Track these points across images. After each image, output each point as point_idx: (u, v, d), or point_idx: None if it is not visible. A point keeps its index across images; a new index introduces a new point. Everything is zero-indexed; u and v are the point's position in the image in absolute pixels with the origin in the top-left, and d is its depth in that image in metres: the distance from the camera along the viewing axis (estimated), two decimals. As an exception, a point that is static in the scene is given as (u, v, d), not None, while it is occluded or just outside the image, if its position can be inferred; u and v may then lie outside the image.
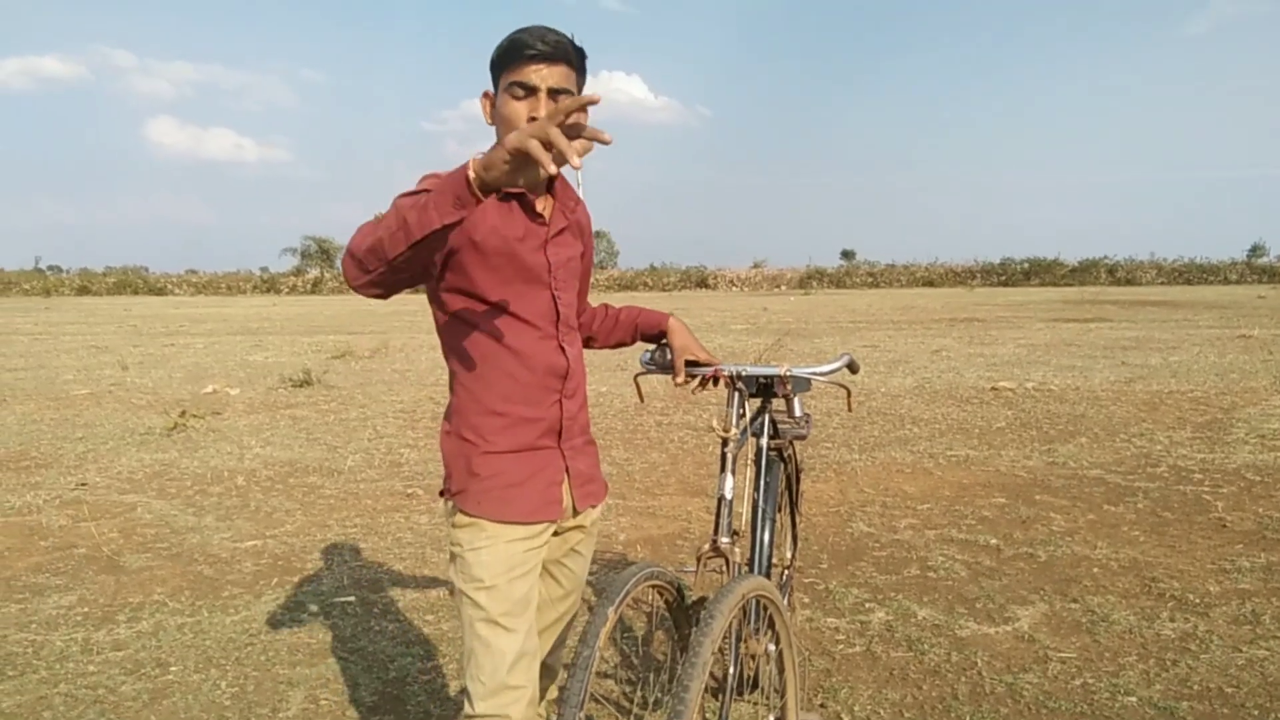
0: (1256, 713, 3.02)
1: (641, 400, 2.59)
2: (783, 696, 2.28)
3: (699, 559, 2.15)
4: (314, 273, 57.63)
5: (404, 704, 3.19)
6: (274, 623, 3.89)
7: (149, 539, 5.09)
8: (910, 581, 4.26)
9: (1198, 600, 3.97)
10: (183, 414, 8.59)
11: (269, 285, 51.97)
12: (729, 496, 2.20)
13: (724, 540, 2.16)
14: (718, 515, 2.18)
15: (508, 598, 1.93)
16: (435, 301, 1.99)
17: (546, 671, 2.17)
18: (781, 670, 2.26)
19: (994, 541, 4.81)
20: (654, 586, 2.04)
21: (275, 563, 4.66)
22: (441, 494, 2.04)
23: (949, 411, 8.62)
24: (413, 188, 1.78)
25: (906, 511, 5.39)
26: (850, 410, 3.10)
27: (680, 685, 1.70)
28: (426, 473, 6.51)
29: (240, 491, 6.10)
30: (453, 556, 1.99)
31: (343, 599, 4.15)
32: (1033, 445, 7.12)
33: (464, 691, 1.98)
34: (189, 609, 4.06)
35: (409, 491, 5.98)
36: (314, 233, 62.97)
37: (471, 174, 1.58)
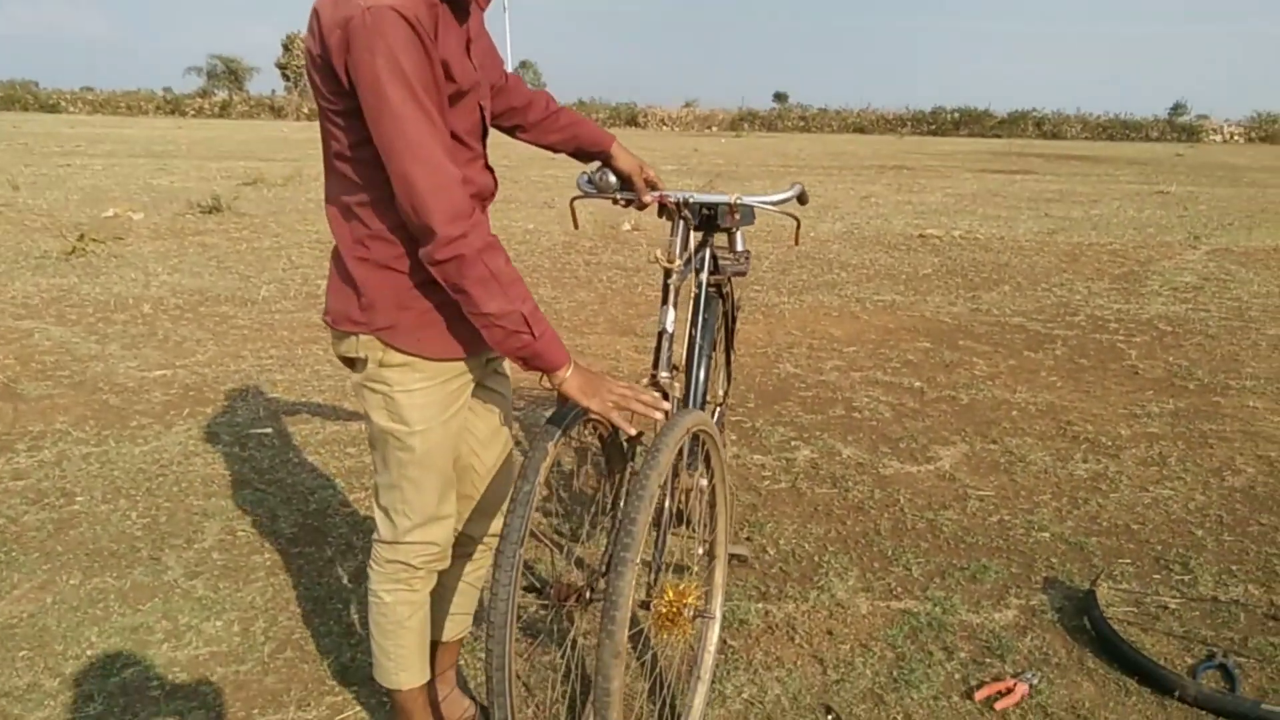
0: (1159, 547, 3.14)
1: (576, 226, 2.44)
2: (712, 531, 2.25)
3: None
4: (221, 95, 54.44)
5: (325, 536, 3.12)
6: (187, 454, 3.76)
7: (48, 366, 4.84)
8: (835, 421, 4.29)
9: (1109, 443, 4.09)
10: (81, 238, 8.11)
11: (172, 107, 48.96)
12: (670, 330, 2.10)
13: (663, 375, 2.07)
14: (658, 349, 2.09)
15: (443, 439, 1.85)
16: (347, 119, 1.66)
17: (500, 514, 2.11)
18: (713, 505, 2.22)
19: (917, 384, 4.86)
20: (589, 421, 1.96)
21: (186, 393, 4.48)
22: (343, 329, 1.79)
23: (876, 257, 8.63)
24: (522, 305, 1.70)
25: (833, 354, 5.41)
26: (797, 244, 3.01)
27: (627, 519, 1.64)
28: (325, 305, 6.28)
29: (147, 320, 5.82)
30: (372, 396, 1.82)
31: (259, 430, 4.02)
32: (958, 292, 7.18)
33: (381, 519, 1.91)
34: (94, 439, 3.88)
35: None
36: (221, 52, 59.08)
37: (562, 376, 1.78)
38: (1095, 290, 7.35)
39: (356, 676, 2.40)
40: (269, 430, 4.02)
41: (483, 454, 2.02)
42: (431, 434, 1.83)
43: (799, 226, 2.55)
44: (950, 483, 3.65)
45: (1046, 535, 3.23)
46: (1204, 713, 2.32)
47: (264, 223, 9.88)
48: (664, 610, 1.91)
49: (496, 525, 2.11)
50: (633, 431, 1.76)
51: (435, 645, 2.18)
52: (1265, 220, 11.94)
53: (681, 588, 1.94)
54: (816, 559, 3.04)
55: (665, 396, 2.06)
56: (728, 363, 3.08)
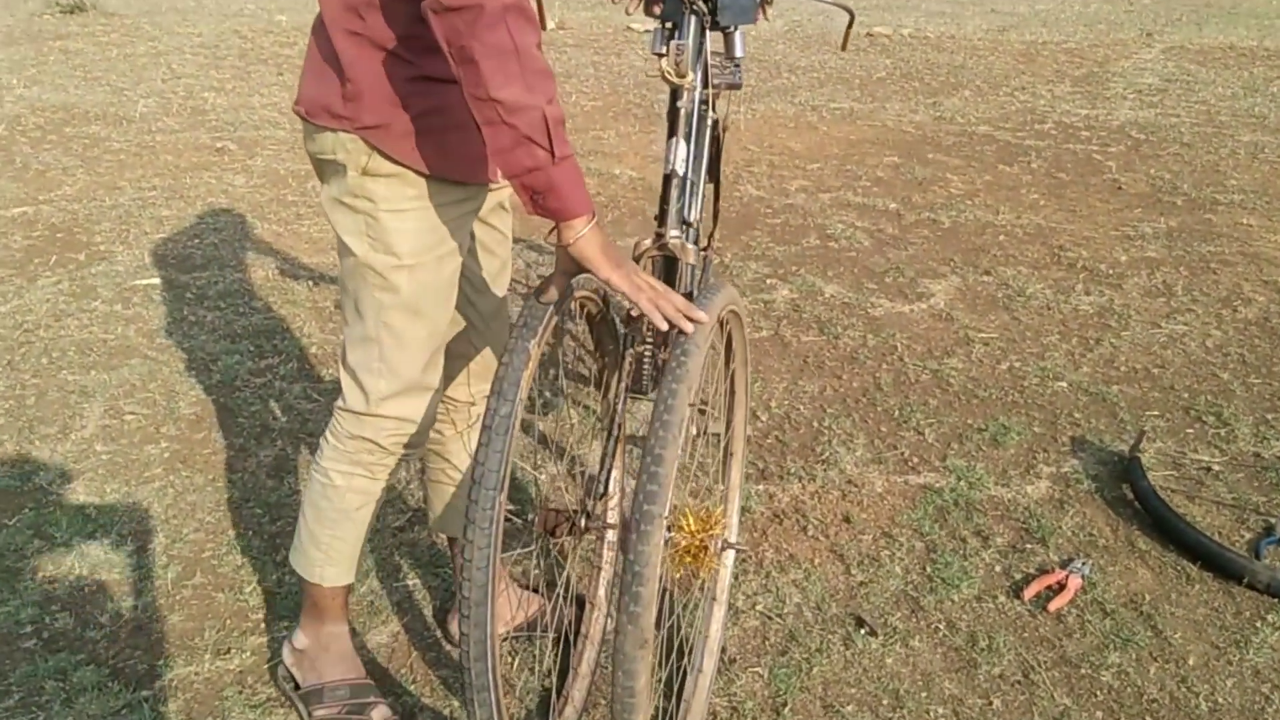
0: (1186, 395, 2.83)
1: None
2: (729, 427, 1.81)
3: (639, 258, 1.56)
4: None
5: (235, 416, 2.60)
6: (56, 314, 3.14)
7: (-120, 206, 4.05)
8: (811, 253, 3.83)
9: (1109, 271, 3.73)
10: (-84, 44, 6.95)
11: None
12: (682, 171, 1.57)
13: (673, 235, 1.56)
14: (665, 199, 1.56)
15: (435, 281, 1.45)
16: None
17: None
18: (733, 391, 1.77)
19: (893, 206, 4.41)
20: (579, 298, 1.46)
21: (53, 236, 3.78)
22: (320, 122, 1.38)
23: (825, 59, 7.96)
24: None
25: (796, 172, 4.89)
26: (844, 48, 2.43)
27: (651, 455, 1.19)
28: (238, 122, 5.48)
29: (1, 143, 4.97)
30: (349, 216, 1.42)
31: (145, 282, 3.39)
32: (917, 98, 6.64)
33: (349, 383, 1.50)
34: (-61, 298, 3.22)
35: (219, 145, 5.01)
36: None
37: (578, 229, 1.28)
38: (1059, 94, 6.88)
39: (288, 607, 1.95)
40: (156, 281, 3.40)
41: (479, 302, 1.63)
42: (423, 270, 1.44)
43: (851, 25, 1.99)
44: (948, 323, 3.26)
45: (1064, 385, 2.88)
46: (1275, 599, 2.03)
47: (136, 24, 8.67)
48: (685, 544, 1.48)
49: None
50: (664, 325, 1.27)
51: (457, 542, 1.82)
52: (1212, 16, 11.47)
53: (705, 513, 1.50)
54: (816, 424, 2.64)
55: (676, 265, 1.56)
56: (716, 198, 2.55)
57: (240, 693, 1.76)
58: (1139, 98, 6.85)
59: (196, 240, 3.76)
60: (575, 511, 1.50)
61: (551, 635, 1.83)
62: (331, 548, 1.62)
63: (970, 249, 3.93)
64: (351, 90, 1.34)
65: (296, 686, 1.69)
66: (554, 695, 1.70)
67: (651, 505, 1.16)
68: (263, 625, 1.91)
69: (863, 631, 1.93)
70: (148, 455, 2.43)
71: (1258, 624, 1.98)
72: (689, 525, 1.47)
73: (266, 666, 1.81)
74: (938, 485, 2.39)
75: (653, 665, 1.19)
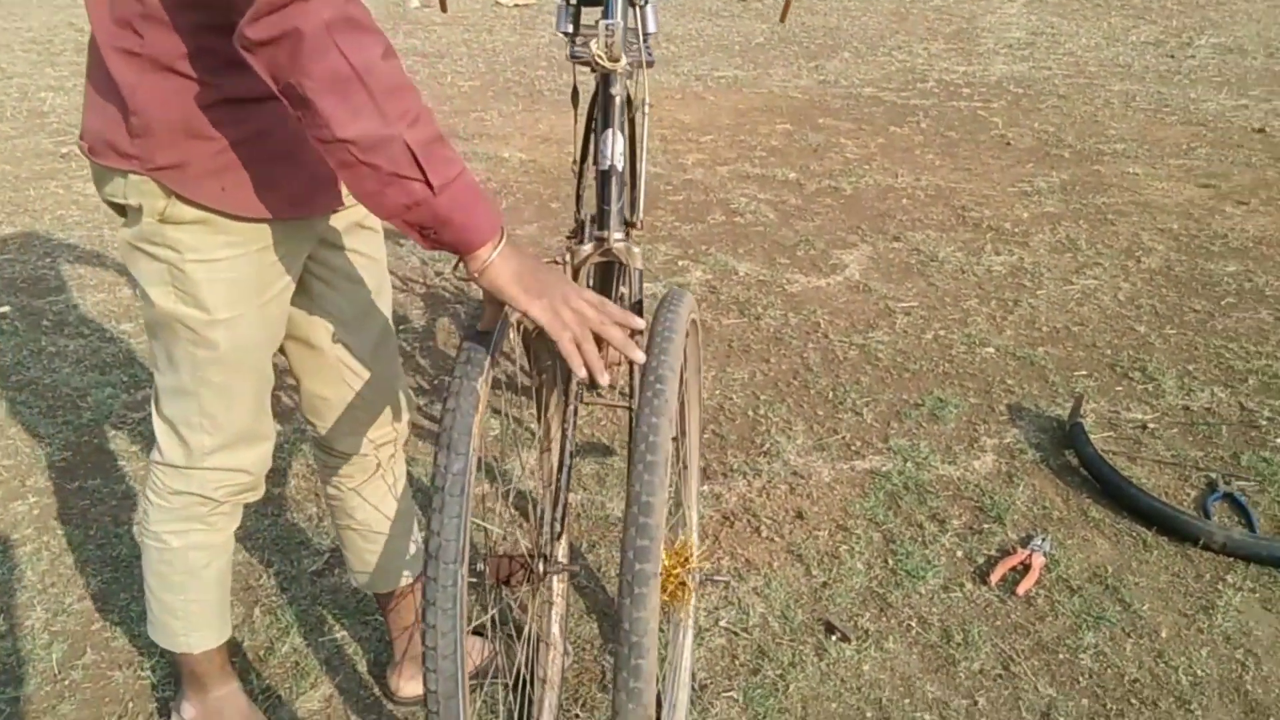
0: (1109, 352, 2.82)
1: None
2: (684, 439, 1.66)
3: (578, 267, 1.38)
4: None
5: (113, 458, 2.32)
6: (-111, 356, 2.76)
7: None
8: (718, 231, 3.71)
9: (1013, 229, 3.73)
10: None
11: None
12: (620, 166, 1.40)
13: (616, 239, 1.39)
14: (604, 198, 1.39)
15: (259, 330, 1.24)
16: None
17: (390, 409, 1.48)
18: (687, 403, 1.62)
19: (792, 175, 4.32)
20: (516, 321, 1.28)
21: (-123, 265, 3.35)
22: (106, 163, 1.14)
23: (702, 26, 7.84)
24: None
25: (690, 145, 4.75)
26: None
27: (639, 492, 1.03)
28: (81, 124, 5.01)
29: None
30: (150, 266, 1.19)
31: (-8, 311, 3.03)
32: (799, 62, 6.58)
33: (166, 435, 1.31)
34: None
35: (63, 151, 4.57)
36: None
37: (484, 258, 1.06)
38: (935, 52, 6.93)
39: (199, 680, 1.72)
40: (6, 309, 3.04)
41: (354, 342, 1.39)
42: (242, 324, 1.23)
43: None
44: (866, 295, 3.18)
45: (991, 351, 2.84)
46: (1232, 559, 2.02)
47: (-47, 19, 7.91)
48: (662, 586, 1.32)
49: (388, 426, 1.49)
50: (605, 380, 1.07)
51: (384, 597, 1.66)
52: (1065, -32, 11.83)
53: (678, 545, 1.35)
54: (751, 413, 2.52)
55: (619, 270, 1.40)
56: (633, 182, 2.39)
57: (154, 789, 1.53)
58: (1010, 52, 6.96)
59: (48, 259, 3.39)
60: (530, 557, 1.33)
61: (505, 681, 1.65)
62: (189, 613, 1.43)
63: (875, 215, 3.87)
64: (138, 124, 1.09)
65: None
66: (517, 752, 1.54)
67: (645, 563, 1.00)
68: (170, 704, 1.68)
69: (834, 638, 1.82)
70: (14, 514, 2.14)
71: (1219, 586, 1.95)
72: (664, 562, 1.32)
73: (182, 754, 1.59)
74: (884, 469, 2.30)
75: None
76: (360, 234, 1.36)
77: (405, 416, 1.51)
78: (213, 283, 1.18)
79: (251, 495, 1.42)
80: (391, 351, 1.45)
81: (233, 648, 1.64)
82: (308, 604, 1.89)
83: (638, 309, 1.42)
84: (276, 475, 2.24)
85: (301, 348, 1.38)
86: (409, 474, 1.71)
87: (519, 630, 1.69)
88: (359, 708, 1.68)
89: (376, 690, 1.71)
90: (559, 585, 1.71)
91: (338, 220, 1.31)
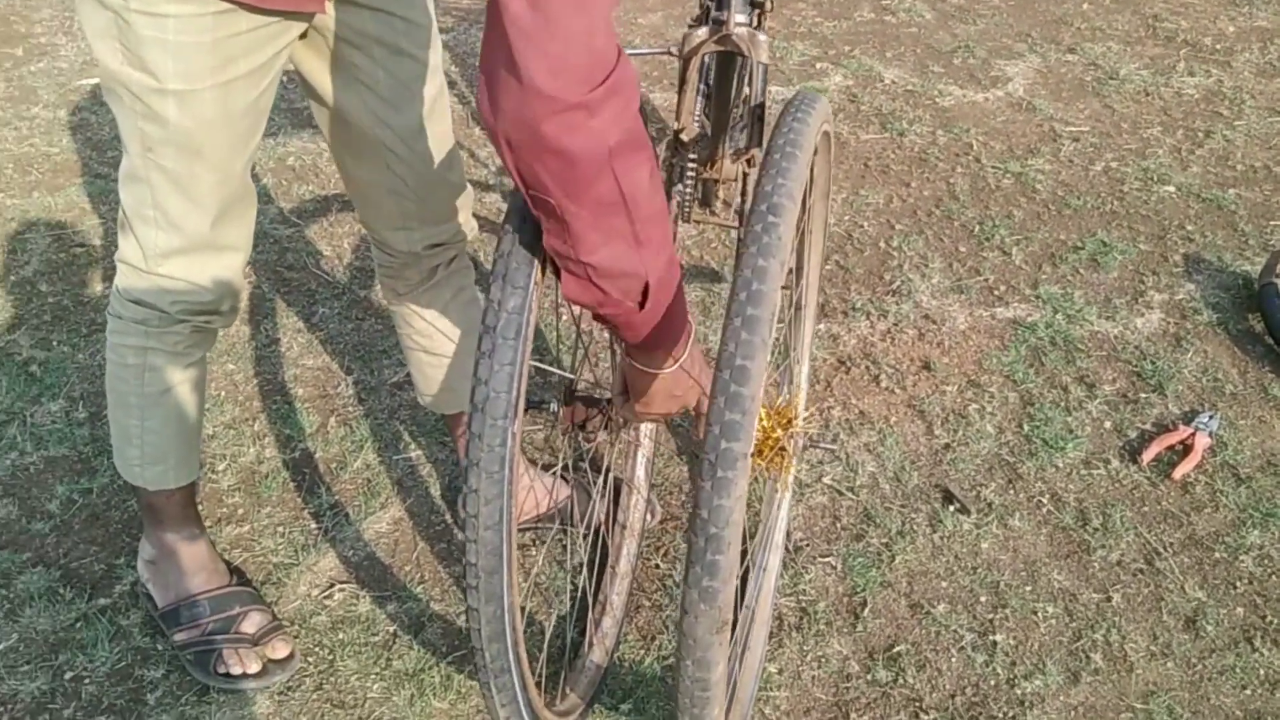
0: (1315, 200, 2.40)
1: None
2: (799, 276, 1.43)
3: (688, 55, 1.13)
4: None
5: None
6: (-9, 123, 2.70)
7: None
8: (865, 29, 3.28)
9: (1214, 45, 3.18)
10: None
11: None
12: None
13: (739, 21, 1.12)
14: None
15: (218, 114, 1.08)
16: None
17: (443, 206, 1.30)
18: (809, 230, 1.38)
19: (956, -30, 3.78)
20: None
21: (-14, 26, 3.26)
22: None
23: None
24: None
25: (842, -70, 4.20)
26: None
27: (740, 348, 0.82)
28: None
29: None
30: (94, 13, 1.03)
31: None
32: None
33: (124, 229, 1.18)
34: None
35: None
36: None
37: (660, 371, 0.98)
38: None
39: (275, 485, 1.65)
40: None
41: (395, 119, 1.19)
42: (197, 102, 1.06)
43: None
44: (1029, 114, 2.78)
45: (1171, 190, 2.44)
46: None
47: None
48: (757, 448, 1.13)
49: (443, 226, 1.31)
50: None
51: (453, 419, 1.53)
52: None
53: (781, 404, 1.15)
54: (883, 244, 2.24)
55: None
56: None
57: (216, 598, 1.48)
58: None
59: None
60: (609, 401, 1.15)
61: (583, 530, 1.52)
62: (146, 442, 1.31)
63: (1050, 21, 3.36)
64: None
65: (155, 605, 1.40)
66: (589, 600, 1.42)
67: (733, 442, 0.80)
68: (240, 512, 1.62)
69: (952, 509, 1.62)
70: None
71: None
72: (762, 423, 1.12)
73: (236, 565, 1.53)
74: (1030, 319, 2.02)
75: (728, 651, 0.87)
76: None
77: (465, 217, 1.33)
78: (161, 44, 1.01)
79: (218, 322, 1.27)
80: (443, 136, 1.24)
81: (307, 458, 1.55)
82: (385, 418, 1.79)
83: (759, 113, 1.17)
84: (362, 276, 2.11)
85: (335, 120, 1.20)
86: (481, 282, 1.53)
87: (599, 472, 1.54)
88: (428, 534, 1.58)
89: (448, 517, 1.61)
90: (646, 426, 1.54)
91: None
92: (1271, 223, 2.32)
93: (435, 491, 1.65)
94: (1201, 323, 2.02)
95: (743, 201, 1.25)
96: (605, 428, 1.18)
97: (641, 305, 0.87)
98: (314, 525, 1.59)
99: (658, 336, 0.91)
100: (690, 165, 1.25)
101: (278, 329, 1.98)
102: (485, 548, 0.87)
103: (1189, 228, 2.30)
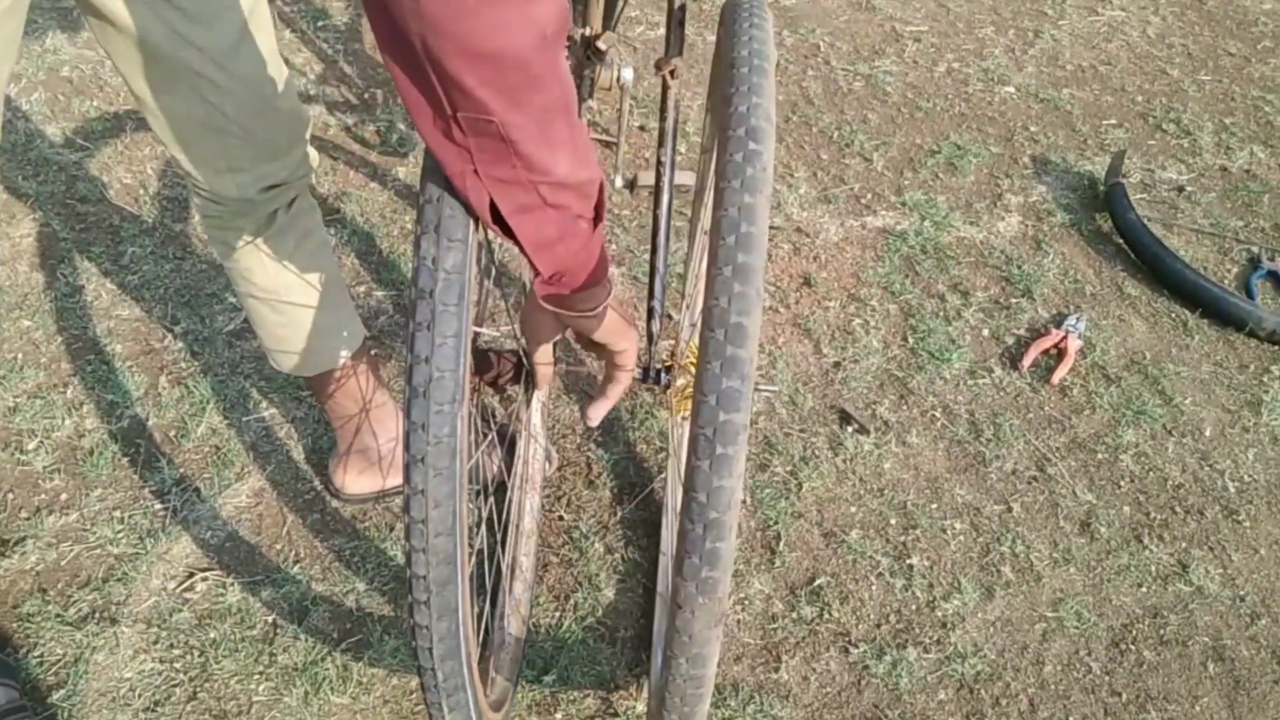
0: (1140, 99, 2.50)
1: None
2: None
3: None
4: None
5: None
6: None
7: None
8: (696, -78, 3.13)
9: (1030, -57, 3.24)
10: None
11: None
12: None
13: None
14: None
15: None
16: None
17: (275, 139, 1.07)
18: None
19: None
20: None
21: None
22: None
23: None
24: None
25: None
26: None
27: (734, 302, 0.71)
28: None
29: None
30: None
31: None
32: None
33: None
34: None
35: None
36: None
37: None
38: None
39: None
40: None
41: (203, 38, 0.96)
42: None
43: None
44: (870, 14, 2.73)
45: (1011, 91, 2.47)
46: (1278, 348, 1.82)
47: None
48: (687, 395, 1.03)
49: (278, 163, 1.08)
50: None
51: (318, 380, 1.31)
52: None
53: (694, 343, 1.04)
54: (745, 154, 2.15)
55: None
56: None
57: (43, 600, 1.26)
58: None
59: None
60: (515, 354, 1.01)
61: (475, 486, 1.38)
62: None
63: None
64: None
65: None
66: (501, 566, 1.29)
67: (734, 412, 0.70)
68: (64, 498, 1.37)
69: (850, 430, 1.59)
70: None
71: (1264, 379, 1.76)
72: (691, 364, 1.02)
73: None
74: (900, 228, 2.00)
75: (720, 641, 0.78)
76: None
77: (303, 150, 1.10)
78: None
79: None
80: (266, 53, 1.01)
81: (138, 427, 1.32)
82: (226, 373, 1.56)
83: (680, 17, 1.03)
84: (175, 207, 1.82)
85: (122, 41, 0.94)
86: (330, 221, 1.34)
87: (489, 424, 1.40)
88: (298, 505, 1.40)
89: (317, 483, 1.43)
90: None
91: None
92: (1105, 122, 2.39)
93: (299, 455, 1.46)
94: (1056, 224, 2.06)
95: (662, 119, 1.11)
96: (518, 382, 1.05)
97: (596, 218, 0.74)
98: (159, 506, 1.37)
99: (602, 262, 0.78)
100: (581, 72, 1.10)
101: (78, 275, 1.69)
102: (437, 557, 0.73)
103: (1032, 129, 2.34)
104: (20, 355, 1.55)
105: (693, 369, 1.02)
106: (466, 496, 0.75)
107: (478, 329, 1.03)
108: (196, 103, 0.99)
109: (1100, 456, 1.60)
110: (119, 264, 1.72)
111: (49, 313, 1.62)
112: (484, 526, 1.32)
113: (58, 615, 1.25)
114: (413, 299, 0.72)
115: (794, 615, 1.34)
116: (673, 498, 1.31)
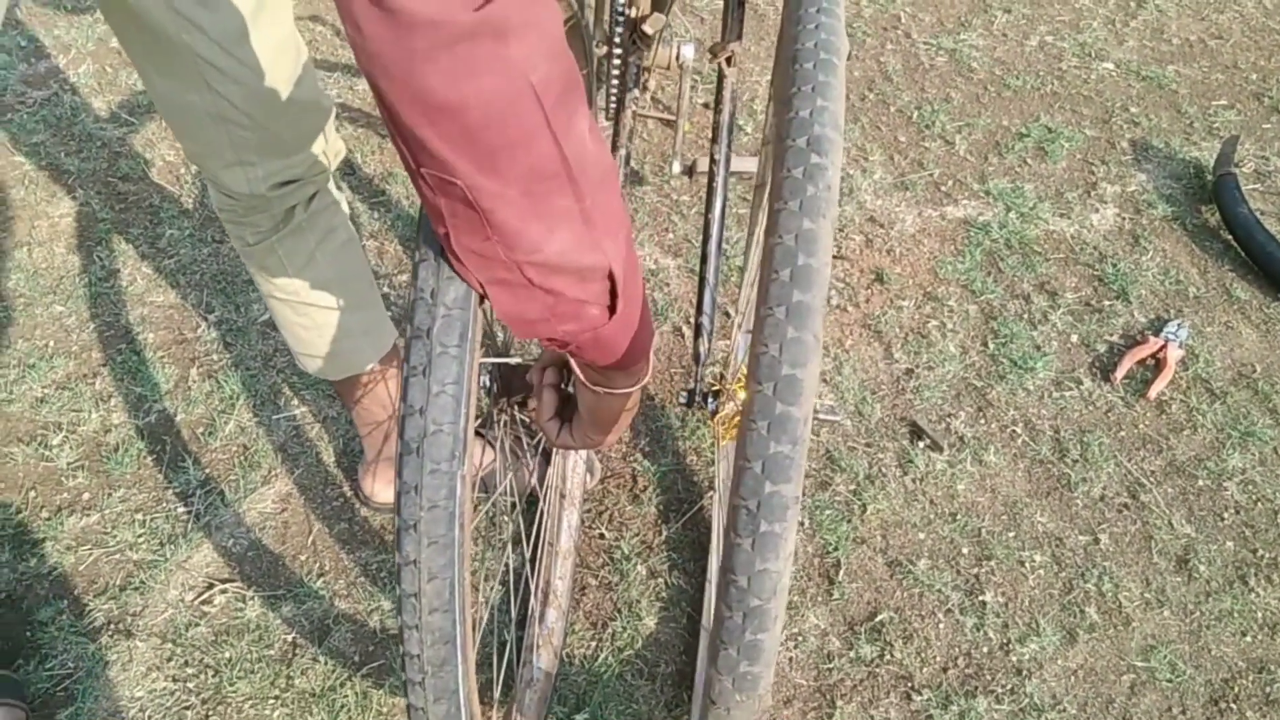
0: (1255, 77, 2.28)
1: None
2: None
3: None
4: None
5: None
6: None
7: None
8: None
9: (1135, -96, 3.00)
10: None
11: None
12: None
13: None
14: None
15: None
16: None
17: (295, 132, 0.97)
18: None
19: None
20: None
21: None
22: None
23: None
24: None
25: None
26: None
27: (799, 280, 0.59)
28: None
29: None
30: None
31: None
32: None
33: None
34: None
35: None
36: None
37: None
38: None
39: None
40: None
41: (210, 21, 0.86)
42: None
43: None
44: (956, -18, 2.55)
45: (1110, 67, 2.28)
46: (1406, 363, 1.63)
47: None
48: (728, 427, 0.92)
49: (295, 158, 0.98)
50: None
51: (344, 386, 1.23)
52: None
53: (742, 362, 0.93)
54: (815, 135, 2.01)
55: None
56: None
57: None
58: None
59: None
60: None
61: (512, 499, 1.29)
62: None
63: (967, -125, 3.10)
64: None
65: None
66: (531, 589, 1.20)
67: (783, 483, 0.59)
68: (86, 497, 1.32)
69: (922, 445, 1.45)
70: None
71: (1392, 398, 1.58)
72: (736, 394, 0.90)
73: (98, 567, 1.25)
74: (983, 219, 1.84)
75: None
76: None
77: (326, 144, 1.00)
78: None
79: None
80: (281, 37, 0.91)
81: (165, 422, 1.25)
82: (258, 367, 1.49)
83: None
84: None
85: (124, 17, 0.86)
86: (375, 204, 1.24)
87: (528, 432, 1.30)
88: (325, 512, 1.33)
89: (346, 489, 1.35)
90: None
91: None
92: (1214, 103, 2.19)
93: (329, 457, 1.39)
94: (1157, 218, 1.88)
95: (716, 110, 0.99)
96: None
97: (612, 309, 0.61)
98: (182, 509, 1.31)
99: (634, 347, 0.65)
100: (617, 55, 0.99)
101: (115, 258, 1.63)
102: (433, 635, 0.63)
103: (1133, 110, 2.15)
104: (52, 342, 1.50)
105: (742, 392, 0.91)
106: (470, 564, 0.66)
107: (501, 358, 0.93)
108: (202, 90, 0.89)
109: (1201, 483, 1.44)
110: (156, 246, 1.66)
111: (83, 298, 1.56)
112: (513, 545, 1.23)
113: (71, 625, 1.19)
114: (408, 338, 0.61)
115: (852, 654, 1.23)
116: (719, 523, 1.20)
